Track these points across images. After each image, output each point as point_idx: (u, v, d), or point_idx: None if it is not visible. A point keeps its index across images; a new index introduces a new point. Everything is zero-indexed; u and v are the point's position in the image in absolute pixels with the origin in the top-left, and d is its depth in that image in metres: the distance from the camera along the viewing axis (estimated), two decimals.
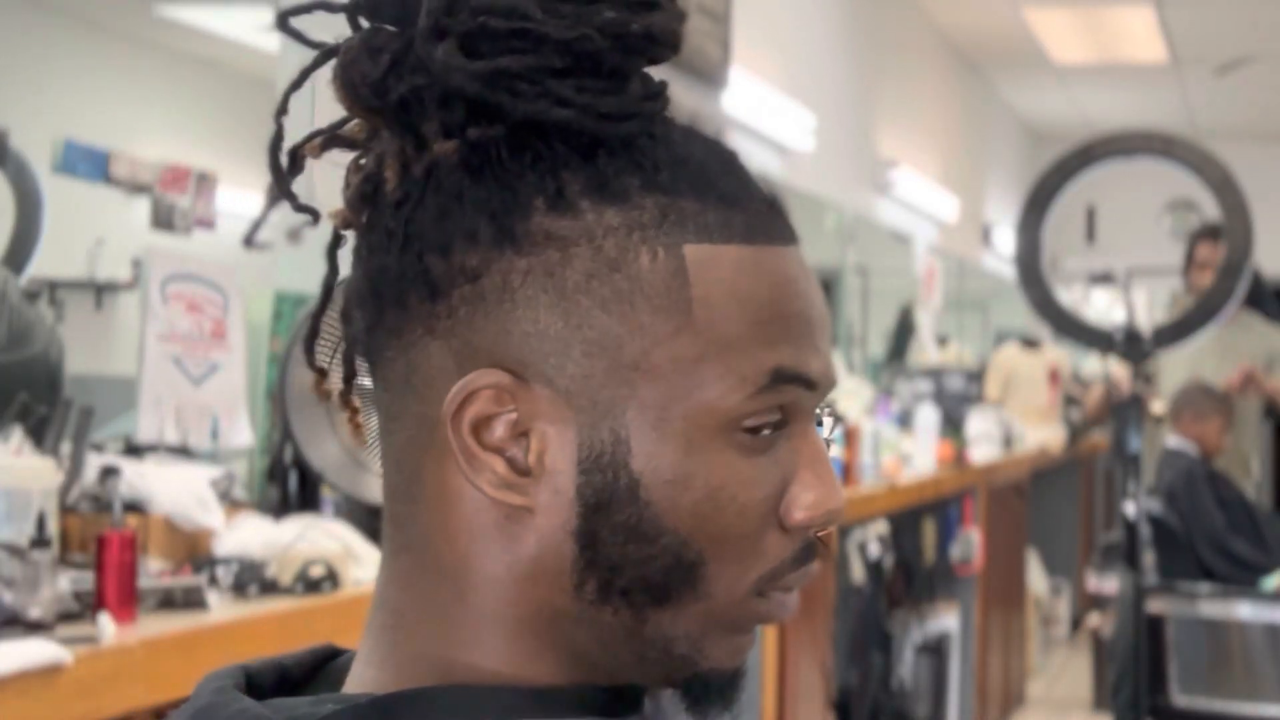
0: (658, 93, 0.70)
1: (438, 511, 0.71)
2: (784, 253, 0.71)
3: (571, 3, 0.68)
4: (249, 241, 0.80)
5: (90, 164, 2.38)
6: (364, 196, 0.71)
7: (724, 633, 0.71)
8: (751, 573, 0.70)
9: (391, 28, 0.70)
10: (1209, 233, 5.18)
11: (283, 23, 0.72)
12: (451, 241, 0.68)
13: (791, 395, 0.70)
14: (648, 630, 0.70)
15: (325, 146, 0.73)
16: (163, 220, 2.49)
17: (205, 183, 2.56)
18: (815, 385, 0.71)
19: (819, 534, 0.73)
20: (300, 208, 0.73)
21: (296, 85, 0.72)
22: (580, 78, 0.68)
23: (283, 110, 0.72)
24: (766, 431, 0.70)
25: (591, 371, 0.68)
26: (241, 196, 2.88)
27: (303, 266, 2.91)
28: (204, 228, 2.57)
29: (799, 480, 0.71)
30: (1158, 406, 5.22)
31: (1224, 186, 4.49)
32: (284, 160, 0.73)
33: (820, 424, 0.75)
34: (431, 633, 0.71)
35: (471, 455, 0.68)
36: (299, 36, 0.72)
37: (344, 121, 0.72)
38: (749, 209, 0.71)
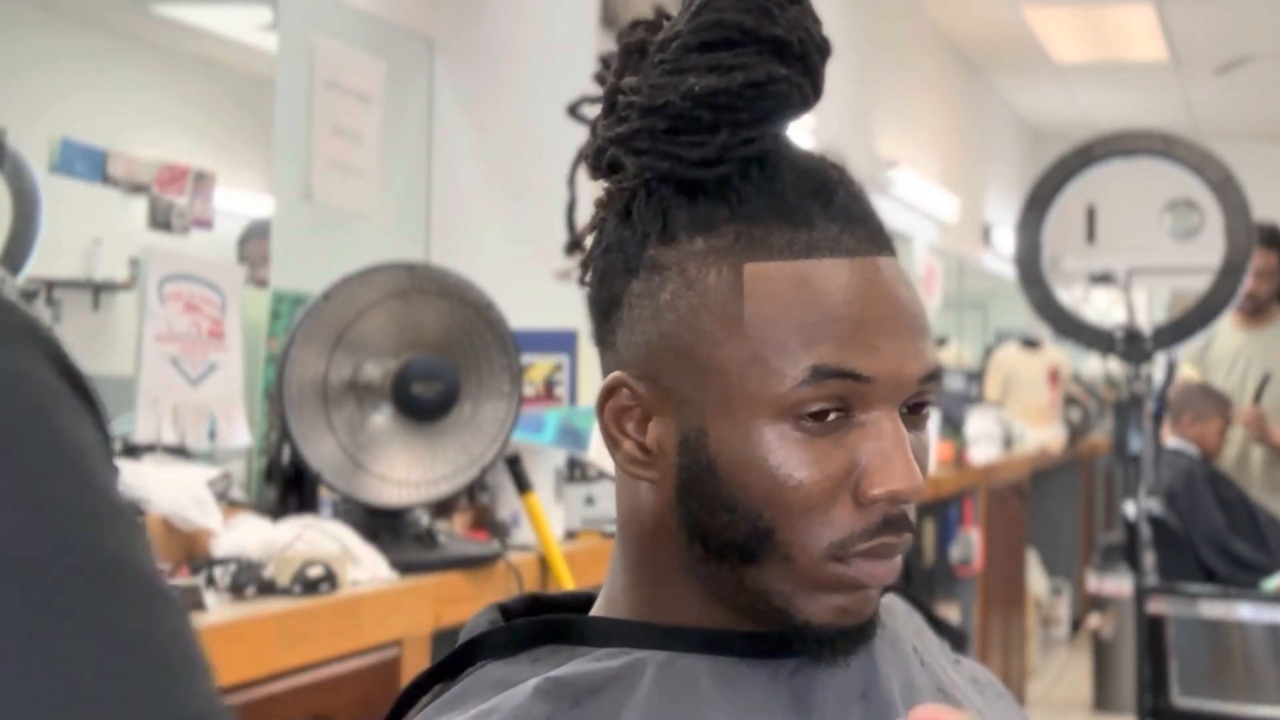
0: (748, 140, 0.84)
1: (617, 485, 0.90)
2: (846, 264, 0.83)
3: (672, 75, 0.84)
4: (583, 282, 0.93)
5: (87, 163, 2.37)
6: (574, 243, 0.92)
7: (813, 591, 0.84)
8: (822, 540, 0.83)
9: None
10: (1259, 238, 4.91)
11: (573, 111, 0.92)
12: (607, 275, 0.88)
13: (840, 388, 0.82)
14: (747, 583, 0.84)
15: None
16: (160, 220, 2.49)
17: (203, 182, 2.56)
18: (865, 378, 0.82)
19: (894, 510, 0.83)
20: (582, 266, 0.92)
21: (576, 165, 0.93)
22: (679, 135, 0.84)
23: (572, 180, 0.94)
24: (832, 418, 0.82)
25: (679, 373, 0.84)
26: (239, 196, 2.87)
27: (300, 266, 2.91)
28: (202, 228, 2.57)
29: (870, 462, 0.83)
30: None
31: (1224, 186, 4.48)
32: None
33: (918, 411, 0.86)
34: (617, 577, 0.91)
35: (612, 439, 0.88)
36: (584, 120, 0.92)
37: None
38: (818, 227, 0.84)
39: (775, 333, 0.82)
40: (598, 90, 0.91)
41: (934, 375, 0.85)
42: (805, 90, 0.86)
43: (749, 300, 0.83)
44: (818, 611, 0.84)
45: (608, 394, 0.87)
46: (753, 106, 0.84)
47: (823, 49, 0.87)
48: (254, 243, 2.87)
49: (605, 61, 0.90)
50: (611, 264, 0.88)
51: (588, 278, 0.91)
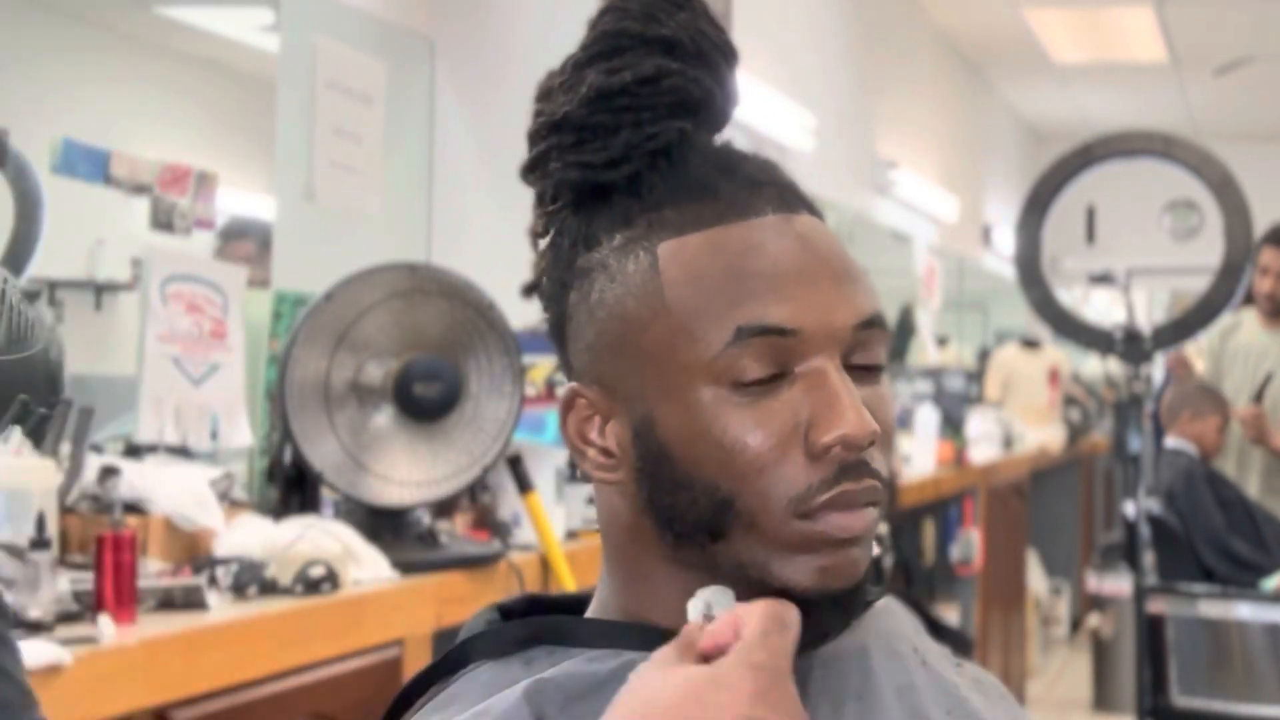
0: (650, 136, 0.86)
1: (595, 495, 0.91)
2: (756, 224, 0.84)
3: (569, 91, 0.87)
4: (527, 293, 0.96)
5: (90, 164, 2.37)
6: (530, 287, 0.93)
7: (787, 553, 0.83)
8: (782, 499, 0.82)
9: None
10: (1268, 237, 4.80)
11: (525, 176, 0.92)
12: (552, 299, 0.90)
13: (768, 345, 0.82)
14: (721, 561, 0.84)
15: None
16: (162, 220, 2.49)
17: (205, 183, 2.56)
18: (791, 331, 0.82)
19: (849, 456, 0.82)
20: (535, 296, 0.94)
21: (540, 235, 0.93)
22: (584, 144, 0.86)
23: (535, 242, 0.93)
24: (767, 380, 0.82)
25: (619, 366, 0.85)
26: (241, 197, 2.88)
27: (301, 267, 2.91)
28: (204, 228, 2.57)
29: (814, 413, 0.82)
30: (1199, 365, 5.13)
31: (1224, 186, 4.49)
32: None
33: (868, 367, 0.85)
34: (606, 582, 0.91)
35: (577, 449, 0.88)
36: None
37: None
38: (724, 196, 0.85)
39: (696, 302, 0.83)
40: None
41: (871, 322, 0.84)
42: (705, 84, 0.88)
43: (665, 275, 0.84)
44: (797, 575, 0.83)
45: (566, 408, 0.88)
46: (651, 104, 0.86)
47: (725, 50, 0.89)
48: (233, 244, 2.86)
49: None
50: (552, 286, 0.89)
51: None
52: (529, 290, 0.94)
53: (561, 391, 0.89)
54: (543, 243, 0.92)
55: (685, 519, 0.84)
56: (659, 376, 0.84)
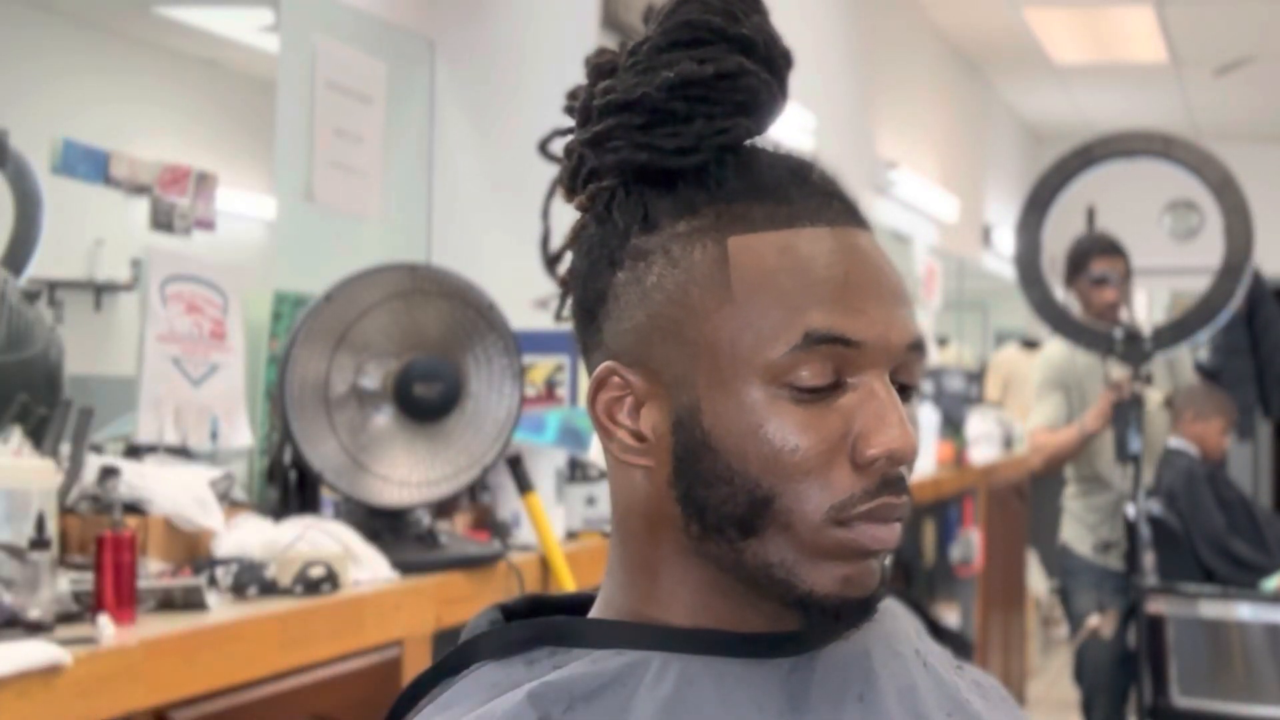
0: (722, 130, 0.87)
1: (611, 481, 0.91)
2: (827, 232, 0.85)
3: (644, 74, 0.87)
4: (559, 315, 0.95)
5: (89, 164, 2.37)
6: (554, 259, 0.93)
7: (816, 559, 0.84)
8: (823, 504, 0.83)
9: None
10: (1101, 247, 4.78)
11: (543, 148, 0.94)
12: (591, 274, 0.89)
13: (832, 353, 0.83)
14: (747, 559, 0.84)
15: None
16: (162, 221, 2.49)
17: (205, 183, 2.56)
18: (856, 343, 0.83)
19: (892, 470, 0.84)
20: (561, 284, 0.94)
21: (549, 196, 0.94)
22: (655, 128, 0.87)
23: (545, 212, 0.94)
24: (823, 384, 0.83)
25: (670, 352, 0.85)
26: (241, 197, 2.87)
27: (301, 267, 2.91)
28: (203, 228, 2.57)
29: (864, 424, 0.83)
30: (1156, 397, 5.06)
31: (1224, 186, 4.49)
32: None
33: (904, 391, 0.86)
34: (614, 575, 0.91)
35: (606, 430, 0.88)
36: (555, 158, 0.94)
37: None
38: (797, 201, 0.86)
39: (764, 300, 0.83)
40: (568, 123, 0.93)
41: (918, 345, 0.87)
42: (773, 89, 0.89)
43: (735, 270, 0.84)
44: (822, 581, 0.84)
45: (598, 386, 0.88)
46: (725, 98, 0.87)
47: (786, 58, 0.90)
48: None
49: (573, 93, 0.92)
50: (595, 262, 0.89)
51: (567, 298, 0.93)
52: (553, 260, 0.94)
53: (597, 369, 0.88)
54: (553, 214, 0.93)
55: (719, 512, 0.84)
56: (713, 368, 0.84)
